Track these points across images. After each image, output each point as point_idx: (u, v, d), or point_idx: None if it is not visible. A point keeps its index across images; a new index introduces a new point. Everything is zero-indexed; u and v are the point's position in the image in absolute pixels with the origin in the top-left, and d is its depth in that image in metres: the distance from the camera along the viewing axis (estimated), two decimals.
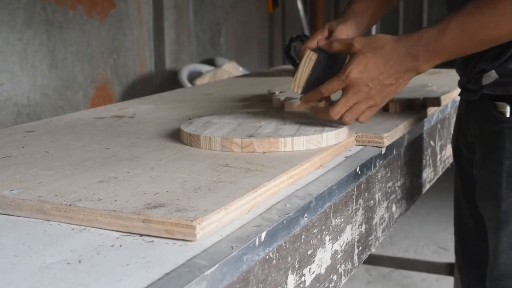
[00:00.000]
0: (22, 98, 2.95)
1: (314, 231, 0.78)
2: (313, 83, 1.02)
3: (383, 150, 1.02)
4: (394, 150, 1.08)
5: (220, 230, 0.65)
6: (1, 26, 2.83)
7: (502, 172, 1.05)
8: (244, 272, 0.61)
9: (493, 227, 1.10)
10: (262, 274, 0.65)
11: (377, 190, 1.02)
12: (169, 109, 1.38)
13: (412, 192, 1.25)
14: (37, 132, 1.13)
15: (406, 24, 5.62)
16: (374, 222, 1.02)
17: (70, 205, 0.68)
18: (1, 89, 2.85)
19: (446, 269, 2.43)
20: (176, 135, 1.04)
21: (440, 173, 1.50)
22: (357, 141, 1.03)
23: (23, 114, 2.96)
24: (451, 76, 1.82)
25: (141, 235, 0.64)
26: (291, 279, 0.73)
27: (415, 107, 1.26)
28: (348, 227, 0.90)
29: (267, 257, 0.66)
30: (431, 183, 1.41)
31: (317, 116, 1.03)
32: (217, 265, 0.57)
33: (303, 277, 0.76)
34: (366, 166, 0.94)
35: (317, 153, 0.90)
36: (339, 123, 1.01)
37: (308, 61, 1.01)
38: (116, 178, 0.78)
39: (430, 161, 1.38)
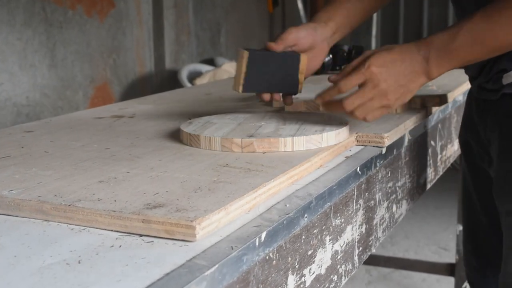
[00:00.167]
0: (22, 98, 2.95)
1: (314, 231, 0.78)
2: (255, 81, 1.06)
3: (384, 150, 1.02)
4: (395, 150, 1.08)
5: (220, 230, 0.64)
6: (1, 25, 2.82)
7: None
8: (244, 273, 0.61)
9: (511, 222, 1.11)
10: (262, 274, 0.65)
11: (377, 190, 1.02)
12: (169, 109, 1.38)
13: (412, 192, 1.25)
14: (37, 132, 1.13)
15: (406, 24, 5.62)
16: (374, 222, 1.02)
17: (69, 205, 0.68)
18: (1, 89, 2.85)
19: (447, 269, 2.43)
20: (176, 135, 1.04)
21: (441, 173, 1.50)
22: (357, 141, 1.03)
23: (22, 114, 2.95)
24: (452, 76, 1.82)
25: (141, 235, 0.63)
26: (291, 280, 0.72)
27: (415, 107, 1.26)
28: (349, 228, 0.90)
29: (267, 257, 0.66)
30: (431, 183, 1.40)
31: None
32: (217, 266, 0.56)
33: (303, 277, 0.76)
34: (366, 166, 0.94)
35: (317, 153, 0.89)
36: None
37: (241, 60, 1.05)
38: (115, 178, 0.78)
39: (431, 161, 1.37)
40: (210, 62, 4.19)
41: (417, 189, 1.29)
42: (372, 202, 1.00)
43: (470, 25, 0.95)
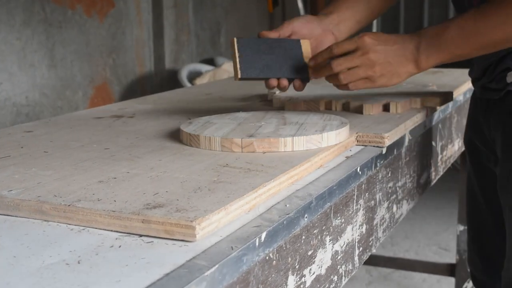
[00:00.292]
0: (21, 98, 2.95)
1: (315, 231, 0.78)
2: (252, 65, 1.08)
3: (384, 150, 1.01)
4: (395, 150, 1.08)
5: (220, 231, 0.64)
6: (0, 25, 2.82)
7: None
8: (244, 273, 0.61)
9: None
10: (262, 274, 0.65)
11: (377, 191, 1.02)
12: (169, 109, 1.37)
13: (413, 192, 1.24)
14: (36, 132, 1.12)
15: (406, 24, 5.62)
16: (374, 222, 1.02)
17: (69, 205, 0.68)
18: (0, 89, 2.85)
19: (447, 269, 2.42)
20: (175, 135, 1.04)
21: (441, 173, 1.50)
22: (357, 141, 1.03)
23: (22, 114, 2.95)
24: (452, 76, 1.82)
25: (141, 235, 0.63)
26: (291, 280, 0.72)
27: (416, 107, 1.26)
28: (349, 228, 0.90)
29: (267, 257, 0.66)
30: (432, 184, 1.40)
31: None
32: (217, 266, 0.56)
33: (303, 277, 0.76)
34: (366, 166, 0.94)
35: (318, 153, 0.89)
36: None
37: (232, 48, 1.09)
38: (115, 178, 0.78)
39: (431, 161, 1.37)
40: (210, 62, 4.19)
41: (418, 189, 1.28)
42: (373, 202, 1.00)
43: (461, 21, 1.01)
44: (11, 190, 0.74)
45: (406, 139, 1.13)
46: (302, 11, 4.81)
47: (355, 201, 0.92)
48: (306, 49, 1.13)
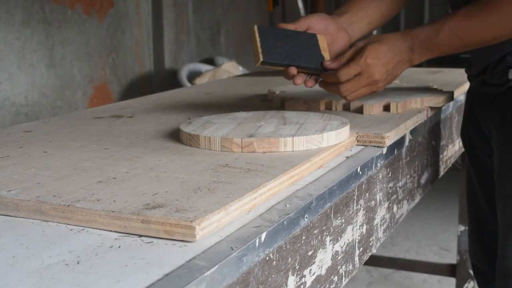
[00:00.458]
0: (20, 97, 2.94)
1: (315, 231, 0.78)
2: (274, 50, 1.10)
3: (384, 150, 1.01)
4: (395, 150, 1.08)
5: (219, 231, 0.64)
6: None
7: None
8: (244, 273, 0.61)
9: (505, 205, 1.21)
10: (262, 275, 0.65)
11: (378, 191, 1.02)
12: (168, 109, 1.37)
13: (413, 192, 1.24)
14: (35, 132, 1.12)
15: (407, 24, 5.62)
16: (375, 222, 1.02)
17: (68, 205, 0.67)
18: None
19: (448, 270, 2.42)
20: (175, 135, 1.03)
21: (442, 173, 1.49)
22: (358, 141, 1.02)
23: (21, 114, 2.95)
24: (453, 75, 1.82)
25: (140, 235, 0.63)
26: (292, 280, 0.72)
27: (416, 107, 1.26)
28: (349, 228, 0.90)
29: (267, 258, 0.66)
30: (432, 184, 1.40)
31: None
32: (216, 266, 0.56)
33: (303, 278, 0.75)
34: (367, 166, 0.94)
35: (318, 153, 0.89)
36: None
37: (253, 34, 1.11)
38: (115, 178, 0.78)
39: (432, 161, 1.37)
40: (210, 61, 4.19)
41: (418, 190, 1.28)
42: (373, 202, 1.00)
43: (452, 22, 1.08)
44: (10, 190, 0.74)
45: (406, 139, 1.13)
46: (302, 11, 4.80)
47: (355, 201, 0.91)
48: (322, 43, 1.16)
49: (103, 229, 0.65)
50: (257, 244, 0.63)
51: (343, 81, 1.09)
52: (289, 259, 0.71)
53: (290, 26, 1.15)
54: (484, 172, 1.35)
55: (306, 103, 1.26)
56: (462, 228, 2.27)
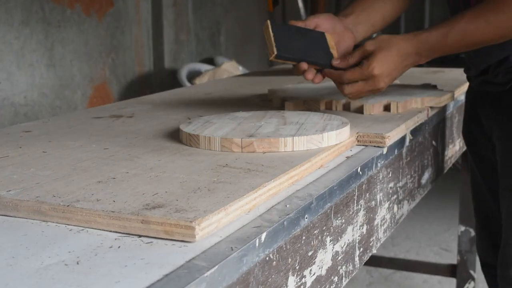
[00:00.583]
0: (20, 97, 2.94)
1: (315, 232, 0.78)
2: (287, 45, 1.12)
3: (385, 150, 1.01)
4: (396, 150, 1.07)
5: (219, 231, 0.64)
6: None
7: None
8: (244, 274, 0.61)
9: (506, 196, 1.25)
10: (262, 275, 0.65)
11: (378, 191, 1.02)
12: (168, 108, 1.37)
13: (414, 192, 1.24)
14: (35, 132, 1.12)
15: (407, 22, 5.61)
16: (375, 223, 1.01)
17: (68, 205, 0.67)
18: None
19: (449, 270, 2.41)
20: (175, 135, 1.03)
21: (443, 173, 1.49)
22: (358, 141, 1.02)
23: (20, 114, 2.95)
24: (453, 75, 1.81)
25: (140, 236, 0.63)
26: (292, 281, 0.72)
27: (416, 107, 1.26)
28: (349, 228, 0.90)
29: (267, 258, 0.65)
30: (433, 184, 1.40)
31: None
32: (216, 267, 0.56)
33: (303, 278, 0.75)
34: (367, 166, 0.94)
35: (318, 153, 0.89)
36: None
37: (266, 29, 1.13)
38: (114, 178, 0.78)
39: (432, 161, 1.37)
40: (210, 61, 4.19)
41: (419, 190, 1.28)
42: (373, 202, 1.00)
43: (460, 25, 1.10)
44: (9, 191, 0.73)
45: (407, 139, 1.13)
46: (302, 10, 4.80)
47: (355, 201, 0.91)
48: (330, 42, 1.19)
49: (102, 229, 0.65)
50: (257, 245, 0.63)
51: (346, 82, 1.12)
52: (289, 260, 0.71)
53: (300, 24, 1.19)
54: (489, 167, 1.39)
55: (306, 103, 1.26)
56: (462, 228, 2.27)
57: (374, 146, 1.01)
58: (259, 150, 0.90)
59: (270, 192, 0.75)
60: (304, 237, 0.74)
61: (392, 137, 1.03)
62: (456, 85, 1.54)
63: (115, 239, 0.62)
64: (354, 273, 0.93)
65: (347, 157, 0.95)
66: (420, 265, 2.56)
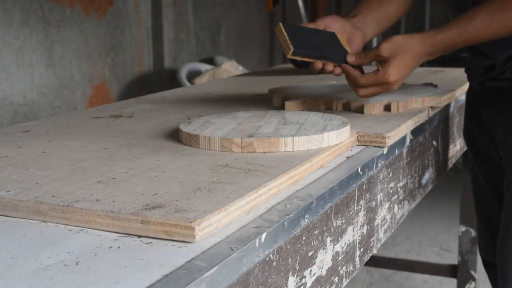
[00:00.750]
0: (19, 97, 2.94)
1: (315, 232, 0.77)
2: (303, 43, 1.14)
3: (385, 150, 1.01)
4: (396, 150, 1.07)
5: (219, 231, 0.64)
6: None
7: None
8: (244, 274, 0.61)
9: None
10: (262, 276, 0.64)
11: (379, 191, 1.01)
12: (168, 108, 1.37)
13: (414, 192, 1.24)
14: (34, 132, 1.12)
15: (408, 21, 5.61)
16: (376, 223, 1.01)
17: (67, 206, 0.67)
18: None
19: (449, 271, 2.41)
20: (175, 135, 1.03)
21: (443, 173, 1.49)
22: (358, 141, 1.02)
23: (19, 114, 2.94)
24: (454, 75, 1.81)
25: (140, 236, 0.63)
26: (292, 281, 0.72)
27: (417, 107, 1.25)
28: (350, 228, 0.89)
29: (267, 258, 0.65)
30: (433, 184, 1.40)
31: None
32: (216, 267, 0.56)
33: (303, 279, 0.75)
34: (367, 166, 0.93)
35: (318, 153, 0.89)
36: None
37: (280, 31, 1.14)
38: (114, 178, 0.77)
39: (433, 161, 1.37)
40: (210, 61, 4.19)
41: (419, 190, 1.28)
42: (374, 202, 0.99)
43: (475, 24, 1.11)
44: (8, 191, 0.73)
45: (407, 139, 1.12)
46: (302, 10, 4.80)
47: (356, 201, 0.91)
48: (342, 40, 1.21)
49: (102, 230, 0.65)
50: (257, 245, 0.63)
51: (360, 85, 1.14)
52: (289, 260, 0.71)
53: (310, 25, 1.21)
54: (490, 166, 1.40)
55: (306, 103, 1.26)
56: (463, 228, 2.26)
57: (375, 146, 1.01)
58: (259, 150, 0.90)
59: (270, 192, 0.74)
60: (304, 238, 0.74)
61: (393, 137, 1.03)
62: (456, 85, 1.54)
63: (115, 240, 0.62)
64: (355, 273, 0.93)
65: (348, 157, 0.95)
66: (420, 266, 2.56)
